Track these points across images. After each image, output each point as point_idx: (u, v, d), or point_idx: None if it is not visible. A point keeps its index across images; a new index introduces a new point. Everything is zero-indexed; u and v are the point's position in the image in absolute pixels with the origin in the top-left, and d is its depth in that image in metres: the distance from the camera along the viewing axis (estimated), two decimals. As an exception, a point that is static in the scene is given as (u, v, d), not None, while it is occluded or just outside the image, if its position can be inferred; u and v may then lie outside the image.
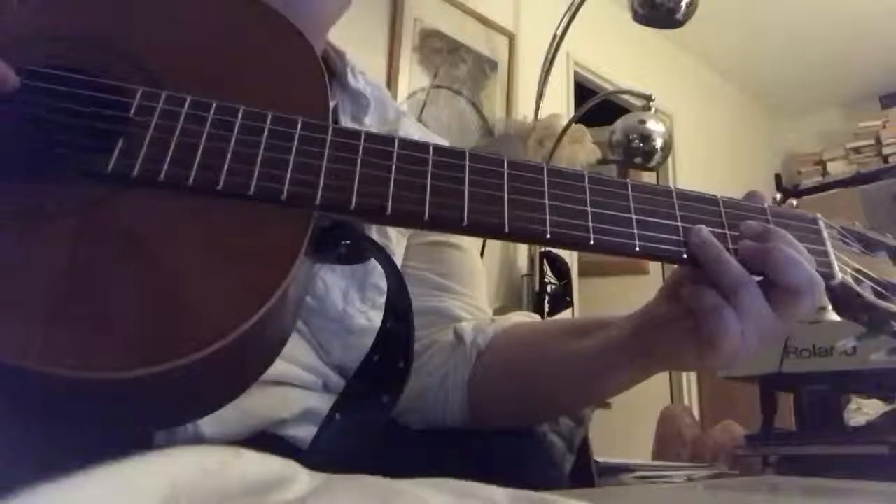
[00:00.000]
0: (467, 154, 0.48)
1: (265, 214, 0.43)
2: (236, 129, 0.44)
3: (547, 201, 0.47)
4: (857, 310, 0.53)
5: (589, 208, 0.48)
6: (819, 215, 0.55)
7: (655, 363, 0.57)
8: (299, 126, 0.45)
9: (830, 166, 4.11)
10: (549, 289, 2.55)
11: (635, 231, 0.49)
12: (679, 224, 0.50)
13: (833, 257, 0.52)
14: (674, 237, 0.50)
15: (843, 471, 1.35)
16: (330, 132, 0.46)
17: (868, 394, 1.77)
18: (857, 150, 4.03)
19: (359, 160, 0.45)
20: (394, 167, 0.46)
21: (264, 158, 0.44)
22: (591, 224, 0.48)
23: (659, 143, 2.46)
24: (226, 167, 0.43)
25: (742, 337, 0.48)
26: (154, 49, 0.48)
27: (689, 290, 0.50)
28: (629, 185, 0.51)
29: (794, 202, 2.33)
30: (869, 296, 0.52)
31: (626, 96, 2.90)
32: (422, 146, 0.47)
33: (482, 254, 1.98)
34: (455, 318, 0.72)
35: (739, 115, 4.18)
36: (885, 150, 3.92)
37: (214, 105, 0.45)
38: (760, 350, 0.49)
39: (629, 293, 3.02)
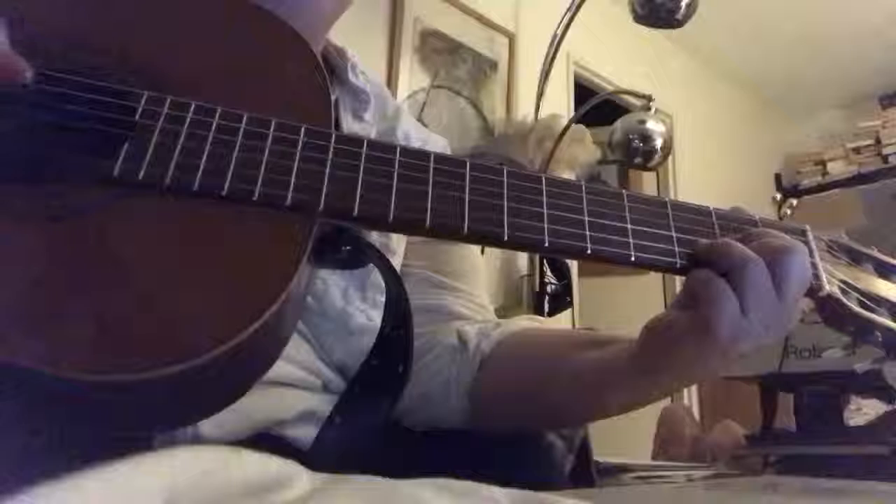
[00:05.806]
0: (468, 163, 0.48)
1: (268, 220, 0.43)
2: (240, 136, 0.44)
3: (545, 211, 0.48)
4: (844, 321, 0.54)
5: (586, 218, 0.49)
6: (808, 227, 0.56)
7: (661, 375, 0.55)
8: (302, 133, 0.46)
9: (830, 166, 4.11)
10: (549, 289, 2.55)
11: (631, 241, 0.49)
12: (673, 235, 0.51)
13: (821, 269, 0.53)
14: (668, 247, 0.51)
15: (843, 471, 1.35)
16: (333, 139, 0.46)
17: (868, 394, 1.77)
18: (857, 150, 4.02)
19: (361, 168, 0.46)
20: (396, 175, 0.46)
21: (268, 165, 0.44)
22: (588, 233, 0.48)
23: (659, 143, 2.46)
24: (230, 173, 0.43)
25: (745, 316, 0.47)
26: (155, 53, 0.48)
27: (689, 279, 0.50)
28: (625, 196, 0.51)
29: (794, 202, 2.33)
30: (855, 307, 0.53)
31: (626, 96, 2.90)
32: (423, 154, 0.48)
33: (482, 253, 1.98)
34: (456, 315, 0.72)
35: (739, 115, 4.18)
36: (885, 150, 3.91)
37: (219, 111, 0.45)
38: (766, 340, 0.49)
39: (629, 293, 3.02)
